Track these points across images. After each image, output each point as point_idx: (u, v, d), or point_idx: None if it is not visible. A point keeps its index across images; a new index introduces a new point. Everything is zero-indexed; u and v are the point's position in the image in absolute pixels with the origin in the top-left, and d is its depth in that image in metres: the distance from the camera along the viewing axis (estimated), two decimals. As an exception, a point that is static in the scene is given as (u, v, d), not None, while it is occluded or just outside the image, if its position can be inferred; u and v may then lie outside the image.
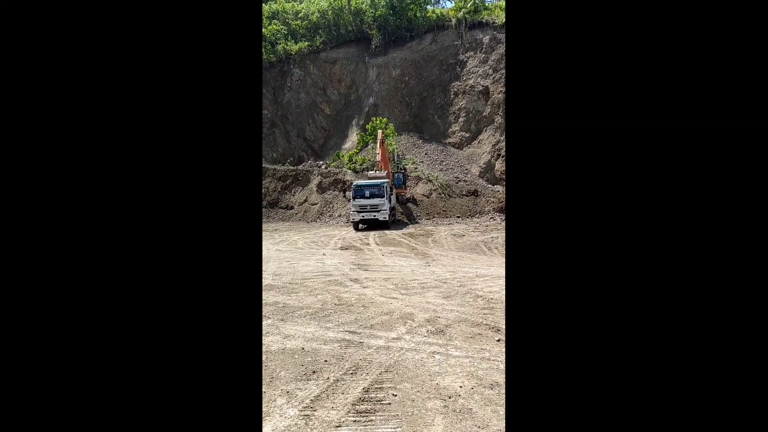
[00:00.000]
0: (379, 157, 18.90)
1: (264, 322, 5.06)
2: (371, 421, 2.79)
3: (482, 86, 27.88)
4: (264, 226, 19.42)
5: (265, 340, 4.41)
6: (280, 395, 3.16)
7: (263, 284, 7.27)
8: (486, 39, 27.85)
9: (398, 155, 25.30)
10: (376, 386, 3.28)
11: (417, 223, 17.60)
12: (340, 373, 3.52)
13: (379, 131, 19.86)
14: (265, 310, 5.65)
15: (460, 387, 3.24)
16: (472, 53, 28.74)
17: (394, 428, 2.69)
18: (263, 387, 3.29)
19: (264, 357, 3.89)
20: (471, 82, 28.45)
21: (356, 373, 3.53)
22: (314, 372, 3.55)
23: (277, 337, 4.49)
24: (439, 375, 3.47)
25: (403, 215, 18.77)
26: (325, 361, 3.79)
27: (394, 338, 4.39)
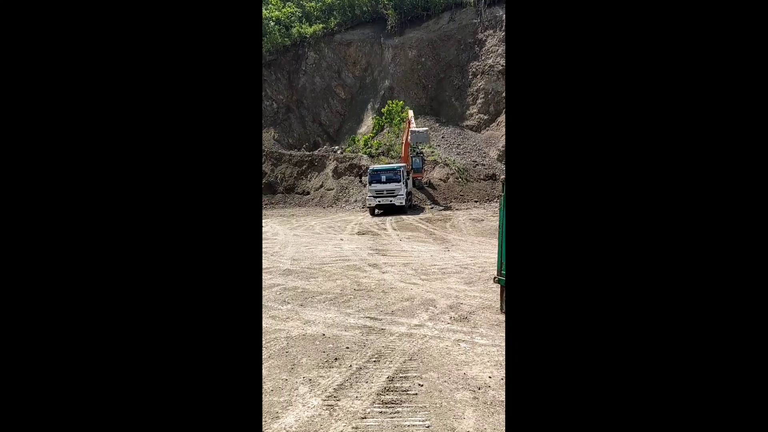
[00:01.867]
0: (404, 138, 18.60)
1: (284, 307, 5.01)
2: (398, 412, 2.67)
3: (502, 66, 26.80)
4: (281, 211, 19.55)
5: (286, 325, 4.35)
6: (302, 383, 3.08)
7: (282, 269, 7.25)
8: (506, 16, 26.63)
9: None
10: (400, 375, 3.16)
11: (440, 206, 17.32)
12: (363, 360, 3.42)
13: (410, 111, 19.18)
14: (284, 295, 5.61)
15: (489, 377, 3.09)
16: (491, 32, 27.59)
17: (423, 421, 2.56)
18: (285, 375, 3.22)
19: (285, 343, 3.83)
20: (490, 61, 27.41)
21: (379, 360, 3.41)
22: (336, 359, 3.46)
23: (297, 323, 4.42)
24: (465, 364, 3.32)
25: (426, 199, 18.51)
26: (347, 348, 3.69)
27: (416, 325, 4.26)
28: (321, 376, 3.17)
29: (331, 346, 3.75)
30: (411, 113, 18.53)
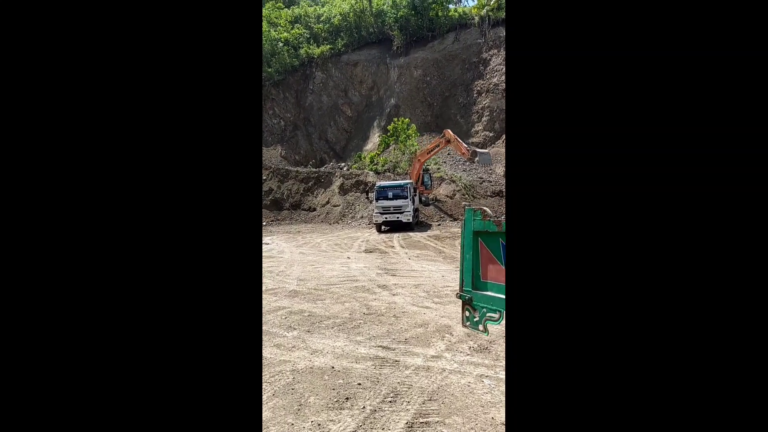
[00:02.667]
0: (419, 156, 18.47)
1: (289, 334, 4.69)
2: (421, 468, 2.32)
3: (507, 84, 26.92)
4: (287, 227, 19.35)
5: (292, 355, 4.02)
6: (310, 428, 2.74)
7: (288, 290, 6.95)
8: (511, 35, 26.95)
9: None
10: (421, 420, 2.80)
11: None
12: (377, 400, 3.07)
13: (449, 131, 18.77)
14: (290, 319, 5.29)
15: (521, 423, 2.73)
16: (495, 51, 27.93)
17: (450, 480, 2.21)
18: (291, 418, 2.88)
19: (291, 378, 3.49)
20: (495, 80, 27.64)
21: (395, 401, 3.07)
22: (347, 399, 3.12)
23: (304, 353, 4.09)
24: (492, 406, 2.97)
25: (434, 215, 18.21)
26: (359, 384, 3.35)
27: (433, 356, 3.91)
28: (331, 420, 2.82)
29: (341, 381, 3.41)
30: (451, 133, 17.99)
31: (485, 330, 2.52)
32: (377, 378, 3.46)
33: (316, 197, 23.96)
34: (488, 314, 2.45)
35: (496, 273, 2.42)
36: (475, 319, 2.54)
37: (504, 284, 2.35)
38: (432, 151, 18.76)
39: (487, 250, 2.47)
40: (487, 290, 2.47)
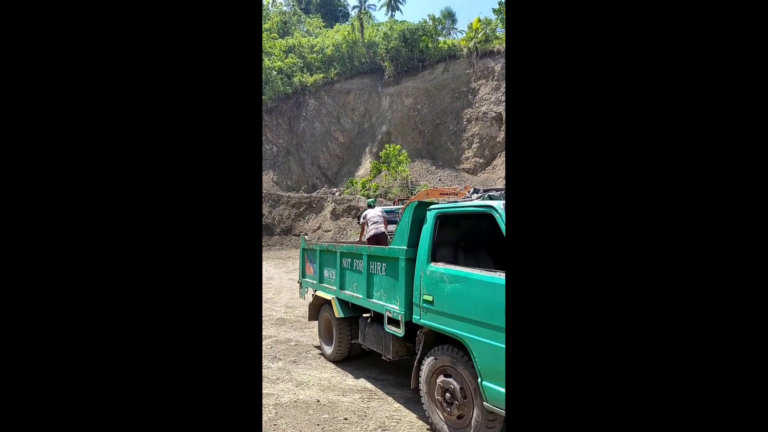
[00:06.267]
0: (421, 196, 18.83)
1: (275, 365, 4.49)
2: None
3: (495, 113, 27.83)
4: (277, 253, 19.09)
5: (275, 388, 3.83)
6: (291, 470, 2.56)
7: (275, 317, 6.74)
8: (498, 67, 28.10)
9: (411, 182, 25.08)
10: (409, 458, 2.64)
11: None
12: (364, 436, 2.91)
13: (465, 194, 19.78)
14: (276, 349, 5.09)
15: (515, 459, 2.58)
16: (483, 81, 28.99)
17: None
18: (271, 458, 2.70)
19: (273, 413, 3.30)
20: (484, 108, 28.51)
21: (383, 436, 2.91)
22: (333, 435, 2.95)
23: (288, 385, 3.90)
24: (485, 441, 2.81)
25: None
26: (345, 419, 3.18)
27: (423, 387, 3.76)
28: (314, 460, 2.65)
29: (327, 416, 3.24)
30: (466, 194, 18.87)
31: (303, 297, 5.49)
32: (365, 412, 3.29)
33: (307, 222, 23.86)
34: (306, 290, 5.34)
35: (308, 269, 5.17)
36: (302, 293, 5.46)
37: (312, 275, 5.02)
38: (446, 194, 19.40)
39: (306, 258, 5.26)
40: (306, 278, 5.24)
